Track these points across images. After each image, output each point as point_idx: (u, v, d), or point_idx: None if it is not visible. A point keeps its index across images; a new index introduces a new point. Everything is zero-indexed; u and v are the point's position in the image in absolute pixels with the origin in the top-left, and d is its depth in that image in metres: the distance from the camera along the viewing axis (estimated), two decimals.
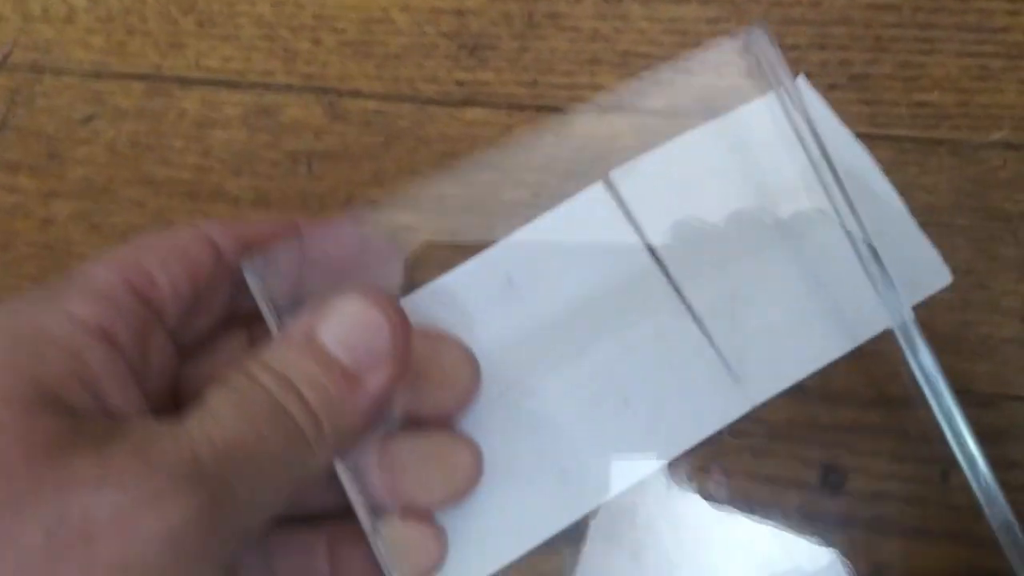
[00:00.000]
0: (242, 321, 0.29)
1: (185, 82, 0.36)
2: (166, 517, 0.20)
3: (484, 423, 0.30)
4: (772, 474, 0.30)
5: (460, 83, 0.35)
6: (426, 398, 0.28)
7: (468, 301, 0.31)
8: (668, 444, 0.30)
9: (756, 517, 0.30)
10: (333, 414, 0.24)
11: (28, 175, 0.36)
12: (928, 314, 0.31)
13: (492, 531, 0.29)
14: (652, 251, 0.31)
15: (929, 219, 0.32)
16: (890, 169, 0.33)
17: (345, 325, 0.24)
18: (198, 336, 0.28)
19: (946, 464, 0.29)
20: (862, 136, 0.33)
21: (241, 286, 0.27)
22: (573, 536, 0.30)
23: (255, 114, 0.35)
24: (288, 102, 0.36)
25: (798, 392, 0.31)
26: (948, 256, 0.32)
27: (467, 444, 0.28)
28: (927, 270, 0.32)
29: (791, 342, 0.31)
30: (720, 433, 0.29)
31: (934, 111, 0.33)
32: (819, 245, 0.31)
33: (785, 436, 0.30)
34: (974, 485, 0.28)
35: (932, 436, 0.28)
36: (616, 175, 0.32)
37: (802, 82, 0.33)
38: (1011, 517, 0.27)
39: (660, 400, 0.30)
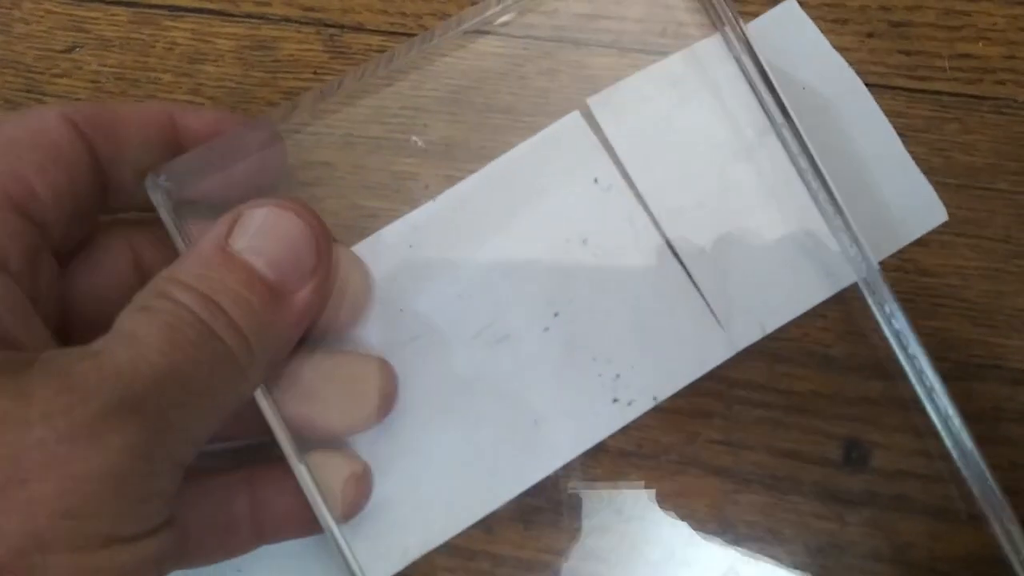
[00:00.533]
0: (117, 227, 0.27)
1: (175, 10, 0.34)
2: (103, 452, 0.19)
3: (452, 370, 0.28)
4: (792, 449, 0.29)
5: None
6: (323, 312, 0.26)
7: (438, 236, 0.29)
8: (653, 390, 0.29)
9: (775, 494, 0.28)
10: (262, 334, 0.22)
11: (4, 110, 0.34)
12: (962, 282, 0.30)
13: (459, 488, 0.28)
14: (633, 187, 0.29)
15: (967, 181, 0.30)
16: (928, 126, 0.31)
17: (267, 237, 0.23)
18: (72, 247, 0.26)
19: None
20: (900, 90, 0.31)
21: (115, 184, 0.25)
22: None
23: (250, 48, 0.33)
24: (285, 35, 0.33)
25: (823, 361, 0.29)
26: (986, 222, 0.30)
27: (379, 363, 0.27)
28: (923, 207, 0.30)
29: (774, 286, 0.29)
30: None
31: (978, 64, 0.31)
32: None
33: (807, 409, 0.29)
34: (954, 455, 0.27)
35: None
36: (594, 102, 0.30)
37: (793, 7, 0.31)
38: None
39: (643, 343, 0.29)
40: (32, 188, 0.23)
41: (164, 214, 0.26)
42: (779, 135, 0.29)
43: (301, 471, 0.25)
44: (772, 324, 0.29)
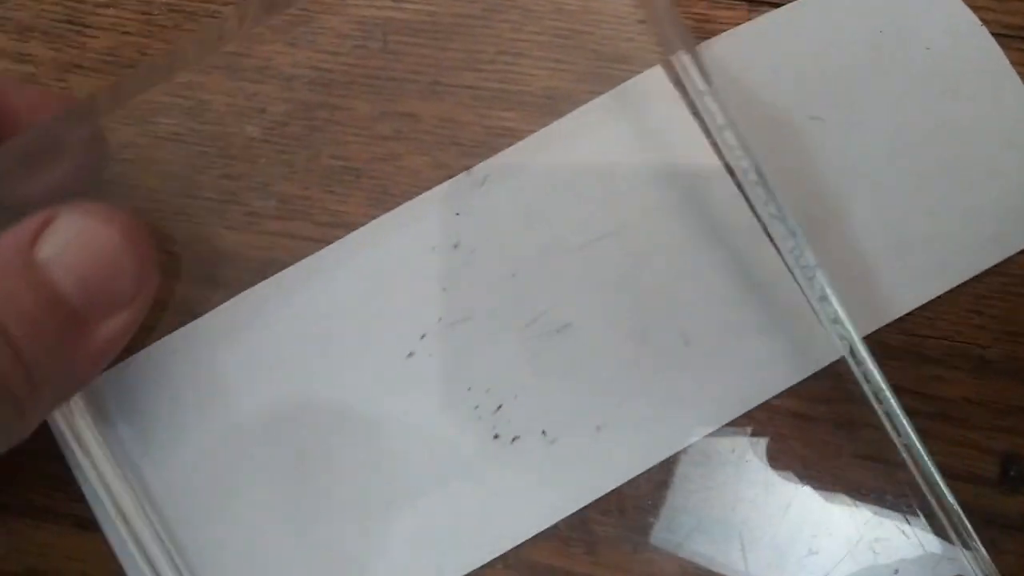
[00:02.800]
0: None
1: None
2: None
3: (505, 360, 0.25)
4: (942, 463, 0.25)
5: None
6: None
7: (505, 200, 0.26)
8: (736, 397, 0.25)
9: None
10: (50, 368, 0.18)
11: (42, 43, 0.30)
12: None
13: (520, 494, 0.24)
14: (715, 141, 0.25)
15: None
16: None
17: (81, 251, 0.19)
18: None
19: None
20: None
21: None
22: None
23: None
24: None
25: (980, 364, 0.25)
26: None
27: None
28: None
29: (896, 269, 0.25)
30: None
31: None
32: None
33: (960, 418, 0.25)
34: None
35: None
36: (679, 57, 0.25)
37: None
38: None
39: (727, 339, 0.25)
40: None
41: None
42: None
43: None
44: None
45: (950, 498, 0.23)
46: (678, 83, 0.25)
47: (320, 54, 0.28)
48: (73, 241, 0.19)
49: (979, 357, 0.25)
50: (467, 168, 0.27)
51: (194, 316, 0.26)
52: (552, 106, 0.27)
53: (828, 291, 0.23)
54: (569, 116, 0.26)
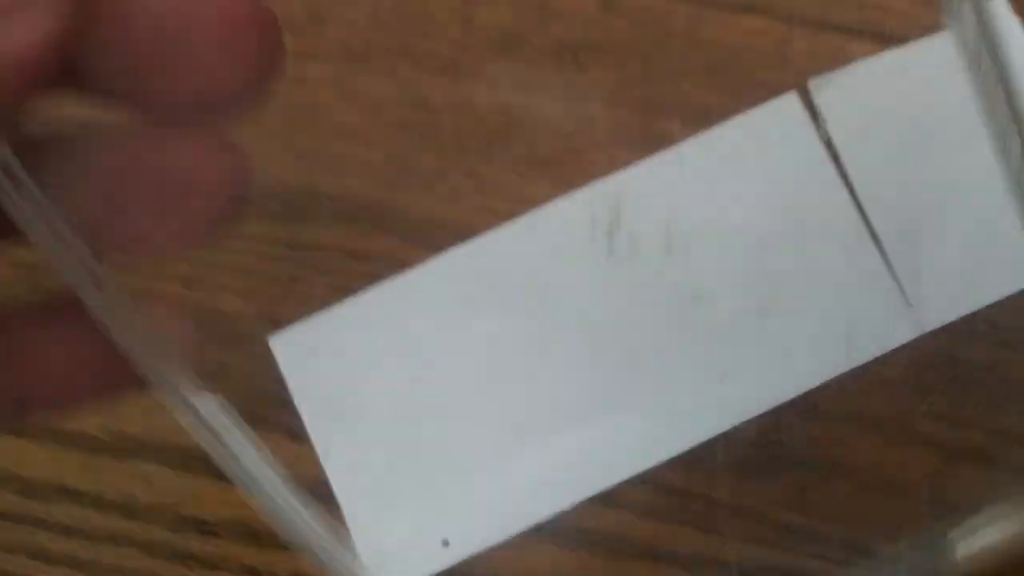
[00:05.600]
0: None
1: None
2: None
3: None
4: (1005, 429, 0.30)
5: None
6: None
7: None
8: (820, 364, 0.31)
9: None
10: None
11: (285, 32, 0.38)
12: None
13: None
14: (840, 166, 0.31)
15: None
16: None
17: None
18: None
19: None
20: None
21: None
22: None
23: None
24: None
25: None
26: None
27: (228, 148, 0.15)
28: None
29: (972, 269, 0.31)
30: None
31: None
32: None
33: None
34: None
35: None
36: (814, 84, 0.32)
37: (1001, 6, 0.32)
38: None
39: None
40: None
41: None
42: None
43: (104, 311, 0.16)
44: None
45: None
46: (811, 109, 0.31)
47: None
48: None
49: None
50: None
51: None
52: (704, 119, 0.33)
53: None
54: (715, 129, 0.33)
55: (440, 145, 0.36)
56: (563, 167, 0.34)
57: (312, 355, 0.31)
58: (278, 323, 0.31)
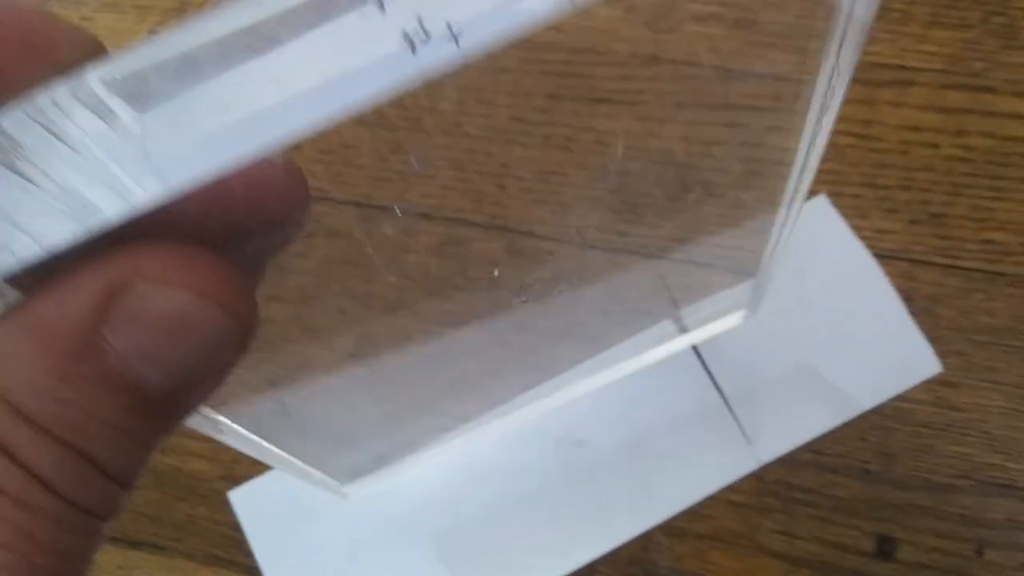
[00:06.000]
0: None
1: (388, 211, 0.45)
2: None
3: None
4: (835, 540, 0.37)
5: (620, 233, 0.43)
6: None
7: None
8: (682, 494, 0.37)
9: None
10: (137, 461, 0.14)
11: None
12: (984, 417, 0.38)
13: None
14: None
15: (989, 339, 0.38)
16: (958, 295, 0.39)
17: (170, 339, 0.13)
18: None
19: (981, 542, 0.35)
20: (936, 266, 0.40)
21: None
22: None
23: (447, 244, 0.44)
24: (474, 236, 0.44)
25: (864, 473, 0.37)
26: (1004, 371, 0.38)
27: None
28: (918, 359, 0.38)
29: (797, 410, 0.38)
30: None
31: (999, 248, 0.39)
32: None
33: (849, 509, 0.37)
34: None
35: (969, 518, 0.35)
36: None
37: (823, 201, 0.40)
38: None
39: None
40: None
41: None
42: None
43: None
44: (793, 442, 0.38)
45: None
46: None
47: None
48: (157, 323, 0.13)
49: (864, 469, 0.37)
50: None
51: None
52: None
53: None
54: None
55: None
56: None
57: (265, 506, 0.38)
58: (237, 480, 0.38)
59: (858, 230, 0.40)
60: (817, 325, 0.40)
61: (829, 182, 0.41)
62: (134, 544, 0.39)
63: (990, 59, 0.42)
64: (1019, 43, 0.42)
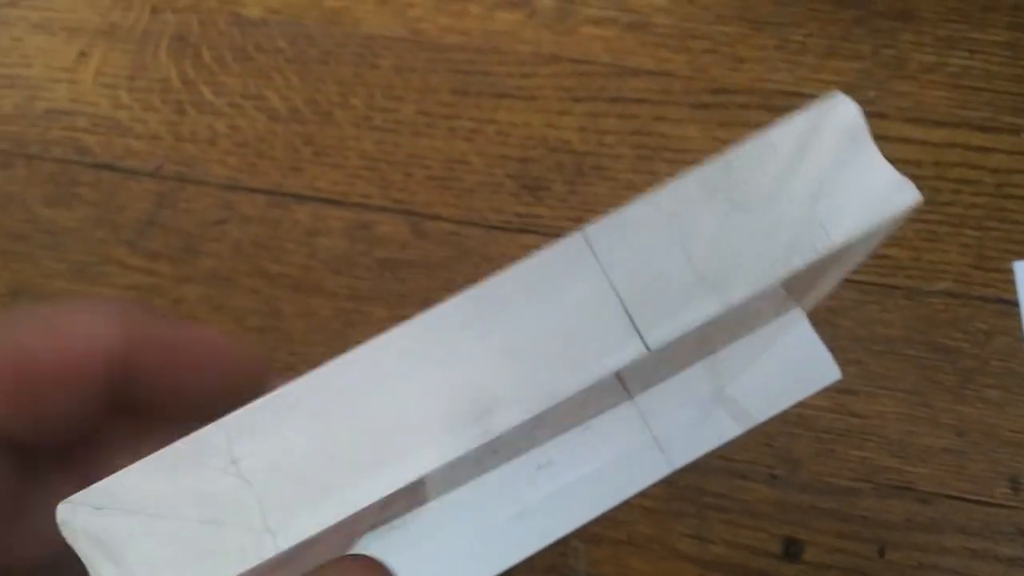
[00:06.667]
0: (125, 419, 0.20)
1: (300, 198, 0.46)
2: None
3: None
4: (745, 543, 0.38)
5: (520, 215, 0.44)
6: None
7: None
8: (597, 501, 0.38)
9: None
10: None
11: (167, 263, 0.45)
12: (882, 423, 0.39)
13: None
14: None
15: (885, 348, 0.40)
16: (855, 307, 0.41)
17: None
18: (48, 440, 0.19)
19: (882, 543, 0.37)
20: None
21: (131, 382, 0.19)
22: None
23: (354, 228, 0.45)
24: (381, 220, 0.45)
25: (771, 478, 0.39)
26: (899, 379, 0.40)
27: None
28: (822, 368, 0.40)
29: (705, 417, 0.39)
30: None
31: (892, 263, 0.42)
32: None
33: (758, 513, 0.38)
34: None
35: (870, 519, 0.36)
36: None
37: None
38: None
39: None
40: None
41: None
42: None
43: None
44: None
45: None
46: None
47: None
48: None
49: (771, 474, 0.39)
50: None
51: None
52: None
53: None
54: None
55: (291, 345, 0.43)
56: None
57: None
58: None
59: None
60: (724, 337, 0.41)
61: None
62: None
63: (882, 87, 0.45)
64: (908, 73, 0.45)
